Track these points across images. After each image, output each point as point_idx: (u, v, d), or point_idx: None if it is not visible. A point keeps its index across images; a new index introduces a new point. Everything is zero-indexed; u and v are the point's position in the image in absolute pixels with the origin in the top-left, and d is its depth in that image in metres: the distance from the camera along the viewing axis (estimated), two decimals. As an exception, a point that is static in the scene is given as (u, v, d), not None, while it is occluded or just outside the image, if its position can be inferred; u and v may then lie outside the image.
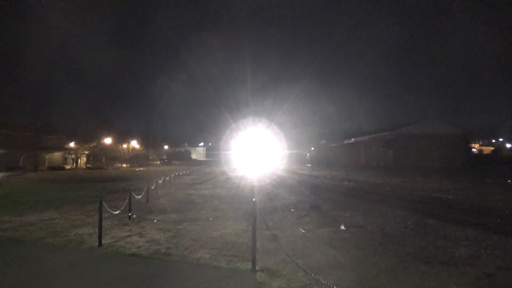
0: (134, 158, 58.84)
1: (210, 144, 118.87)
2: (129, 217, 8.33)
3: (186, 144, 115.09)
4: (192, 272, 4.61)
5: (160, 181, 16.11)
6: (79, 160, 48.16)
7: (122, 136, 55.96)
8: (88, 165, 47.35)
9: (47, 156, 44.07)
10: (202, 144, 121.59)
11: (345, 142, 60.13)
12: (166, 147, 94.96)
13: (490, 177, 21.16)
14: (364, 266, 4.73)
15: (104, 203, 6.28)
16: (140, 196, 10.57)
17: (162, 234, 6.69)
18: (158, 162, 68.47)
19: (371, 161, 47.82)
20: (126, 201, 8.53)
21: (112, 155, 53.32)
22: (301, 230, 6.96)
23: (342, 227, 7.08)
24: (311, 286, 4.03)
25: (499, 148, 63.72)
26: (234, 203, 11.03)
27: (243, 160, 47.03)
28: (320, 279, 3.88)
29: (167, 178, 17.99)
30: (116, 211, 7.83)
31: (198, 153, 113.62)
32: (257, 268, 4.59)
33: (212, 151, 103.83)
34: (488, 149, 64.68)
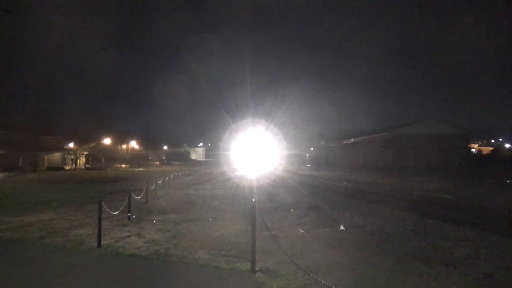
0: (133, 158, 58.83)
1: (209, 144, 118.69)
2: (129, 217, 8.32)
3: (185, 144, 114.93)
4: (192, 273, 4.61)
5: (160, 182, 16.12)
6: (78, 161, 48.14)
7: (121, 137, 55.93)
8: (87, 166, 47.31)
9: (46, 157, 44.02)
10: (201, 144, 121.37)
11: (344, 142, 60.15)
12: (165, 147, 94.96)
13: (489, 177, 21.19)
14: (363, 266, 4.74)
15: (103, 204, 6.27)
16: (139, 197, 10.57)
17: (161, 235, 6.69)
18: (158, 163, 68.32)
19: (370, 161, 47.88)
20: (126, 201, 8.51)
21: (111, 155, 53.39)
22: (301, 230, 6.96)
23: (342, 228, 7.08)
24: (311, 287, 4.03)
25: (498, 148, 63.83)
26: (233, 204, 11.03)
27: (242, 160, 47.03)
28: (319, 279, 3.88)
29: (167, 178, 17.99)
30: (115, 211, 7.81)
31: (198, 153, 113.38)
32: (256, 268, 4.60)
33: (212, 152, 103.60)
34: (487, 149, 64.78)
